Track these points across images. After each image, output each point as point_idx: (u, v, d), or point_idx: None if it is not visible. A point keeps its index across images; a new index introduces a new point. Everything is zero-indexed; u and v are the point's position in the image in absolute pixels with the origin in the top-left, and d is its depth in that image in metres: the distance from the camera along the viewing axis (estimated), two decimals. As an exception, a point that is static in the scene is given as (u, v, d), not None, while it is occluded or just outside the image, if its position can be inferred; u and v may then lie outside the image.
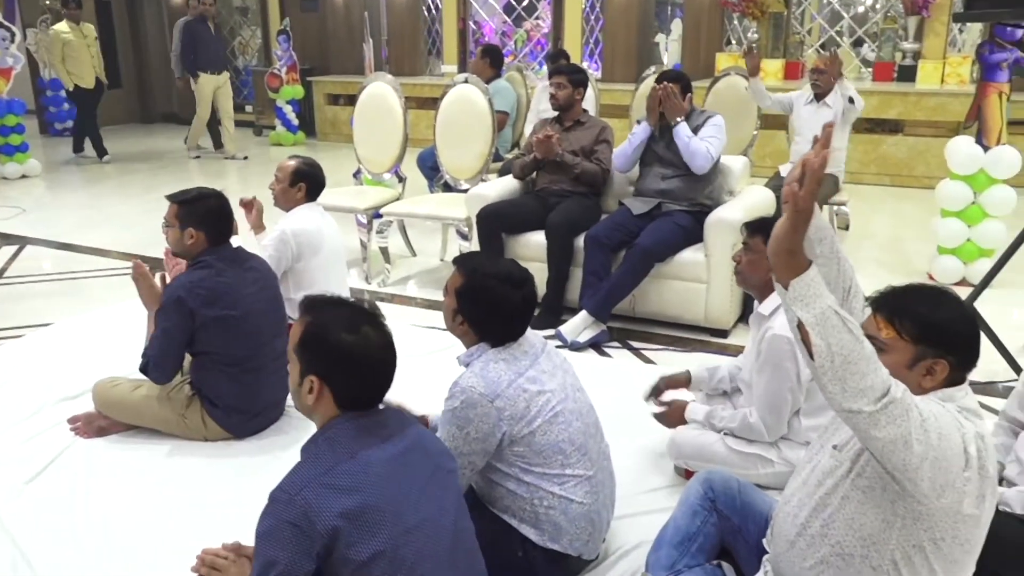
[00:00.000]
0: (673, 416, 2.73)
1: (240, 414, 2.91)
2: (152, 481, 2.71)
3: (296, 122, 9.88)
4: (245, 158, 8.90)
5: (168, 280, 2.91)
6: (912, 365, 1.60)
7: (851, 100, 4.80)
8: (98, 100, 8.72)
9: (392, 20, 9.77)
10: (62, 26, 8.36)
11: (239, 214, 3.14)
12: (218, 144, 9.23)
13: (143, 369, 2.82)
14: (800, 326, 1.46)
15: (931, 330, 1.58)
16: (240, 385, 2.86)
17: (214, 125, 9.08)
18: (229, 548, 1.92)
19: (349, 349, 1.61)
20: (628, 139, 4.15)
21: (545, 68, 6.47)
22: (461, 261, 2.16)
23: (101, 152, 8.82)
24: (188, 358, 2.90)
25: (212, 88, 8.72)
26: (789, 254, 1.48)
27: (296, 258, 3.44)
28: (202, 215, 2.83)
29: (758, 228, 2.54)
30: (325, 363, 1.62)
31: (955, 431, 1.50)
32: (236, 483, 2.68)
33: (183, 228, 2.82)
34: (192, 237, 2.82)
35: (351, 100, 6.05)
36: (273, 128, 9.95)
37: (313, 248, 3.47)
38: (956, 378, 1.61)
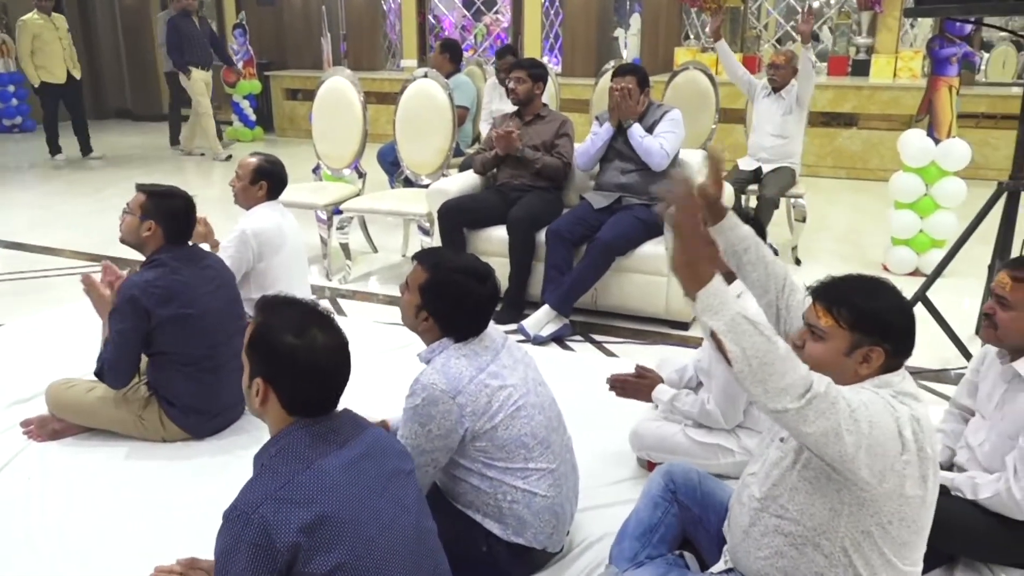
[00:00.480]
0: (643, 388, 2.70)
1: (199, 414, 2.87)
2: (109, 484, 2.65)
3: (254, 118, 9.75)
4: (229, 157, 8.51)
5: (113, 289, 2.85)
6: (849, 352, 1.64)
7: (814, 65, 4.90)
8: (72, 95, 8.33)
9: (350, 14, 9.69)
10: (32, 17, 8.01)
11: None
12: (175, 140, 9.06)
13: (98, 373, 2.77)
14: (714, 335, 1.50)
15: (867, 318, 1.63)
16: (198, 385, 2.82)
17: (176, 119, 8.88)
18: (183, 563, 1.89)
19: (294, 352, 1.56)
20: (590, 139, 4.16)
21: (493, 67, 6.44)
22: (423, 257, 2.15)
23: (86, 149, 8.51)
24: (144, 358, 2.85)
25: (205, 82, 8.43)
26: (689, 267, 1.53)
27: (257, 258, 3.39)
28: (166, 211, 2.79)
29: None
30: (270, 366, 1.58)
31: (887, 417, 1.54)
32: (196, 484, 2.64)
33: (143, 219, 2.78)
34: (150, 230, 2.78)
35: (309, 95, 5.99)
36: (230, 124, 9.81)
37: (274, 247, 3.43)
38: (892, 364, 1.65)
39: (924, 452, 1.57)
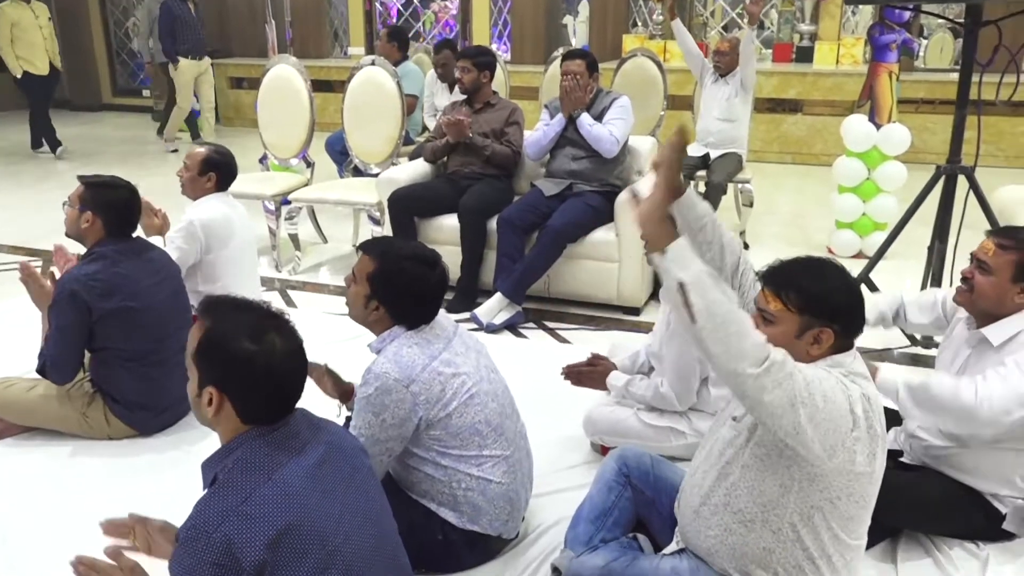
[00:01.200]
0: (597, 376, 2.72)
1: (145, 410, 2.81)
2: (54, 485, 2.59)
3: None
4: (175, 151, 8.20)
5: (58, 276, 2.78)
6: (800, 335, 1.67)
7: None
8: (52, 87, 7.98)
9: (296, 1, 9.51)
10: (8, 5, 7.61)
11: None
12: (161, 131, 8.63)
13: (40, 370, 2.69)
14: (681, 288, 1.54)
15: (815, 301, 1.66)
16: (144, 380, 2.76)
17: (168, 111, 8.42)
18: (134, 518, 1.85)
19: (252, 360, 1.47)
20: (543, 130, 4.15)
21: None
22: (369, 246, 2.13)
23: (54, 144, 8.03)
24: (87, 354, 2.78)
25: (193, 75, 8.04)
26: (660, 222, 1.66)
27: (205, 250, 3.33)
28: (106, 202, 2.72)
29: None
30: (225, 374, 1.48)
31: (840, 394, 1.58)
32: (145, 482, 2.59)
33: (82, 210, 2.71)
34: (88, 222, 2.71)
35: (255, 84, 5.86)
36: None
37: (222, 239, 3.37)
38: (842, 345, 1.69)
39: (873, 430, 1.61)
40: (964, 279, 2.22)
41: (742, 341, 1.51)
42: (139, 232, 3.07)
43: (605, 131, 3.97)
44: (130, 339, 2.71)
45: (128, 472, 2.66)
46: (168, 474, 2.59)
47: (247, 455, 1.47)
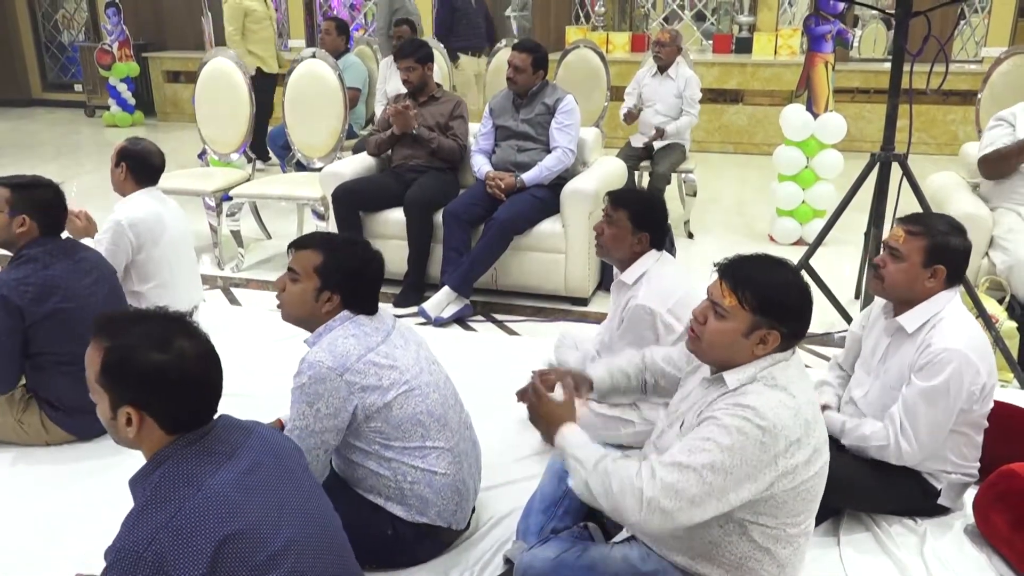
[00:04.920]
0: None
1: (85, 415, 2.69)
2: (-5, 494, 2.51)
3: (132, 101, 9.28)
4: None
5: None
6: (748, 333, 1.68)
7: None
8: None
9: (233, -8, 9.30)
10: None
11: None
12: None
13: None
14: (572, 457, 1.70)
15: (770, 302, 1.67)
16: (82, 384, 2.65)
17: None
18: None
19: (164, 370, 1.41)
20: (486, 141, 4.20)
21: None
22: (304, 242, 2.10)
23: None
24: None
25: (474, 72, 6.94)
26: (547, 425, 1.78)
27: (136, 249, 3.23)
28: (36, 203, 2.63)
29: (622, 203, 2.60)
30: (138, 391, 1.42)
31: (753, 447, 1.58)
32: (87, 488, 2.53)
33: (13, 214, 2.61)
34: (23, 224, 2.62)
35: (192, 77, 5.73)
36: (107, 108, 9.31)
37: (153, 237, 3.27)
38: (785, 346, 1.71)
39: (807, 441, 1.63)
40: (876, 267, 2.28)
41: (624, 499, 1.60)
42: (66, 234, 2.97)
43: (554, 159, 4.02)
44: (66, 343, 2.62)
45: (69, 479, 2.59)
46: (110, 478, 2.52)
47: (174, 467, 1.42)
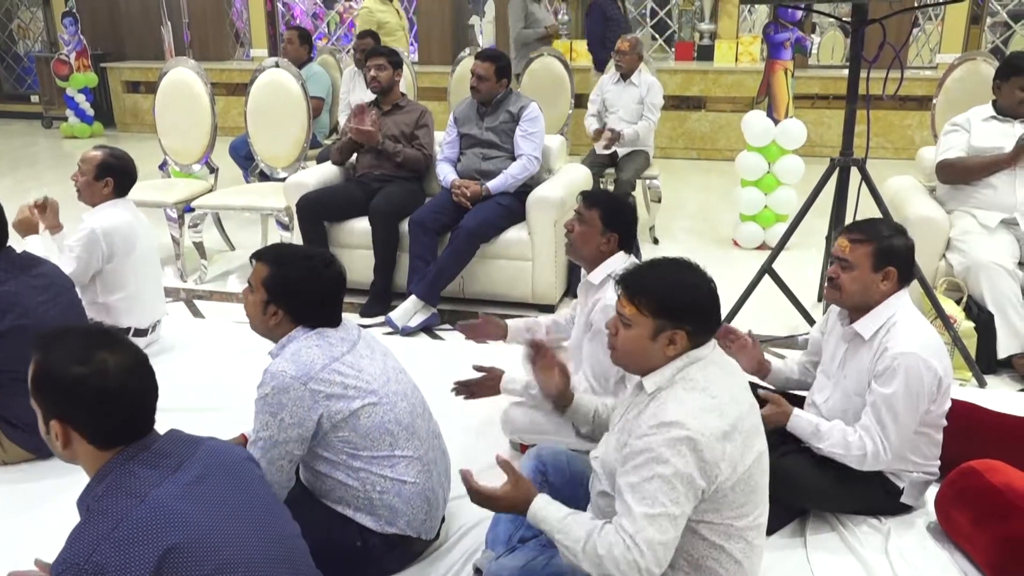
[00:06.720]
0: (488, 385, 2.65)
1: (44, 432, 2.67)
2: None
3: (91, 112, 9.14)
4: None
5: None
6: (654, 337, 1.72)
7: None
8: None
9: (193, 1, 9.21)
10: None
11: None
12: None
13: None
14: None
15: (666, 305, 1.71)
16: (41, 401, 2.62)
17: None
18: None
19: (82, 382, 1.41)
20: (450, 149, 4.20)
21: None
22: (261, 254, 2.10)
23: None
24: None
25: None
26: (511, 508, 1.78)
27: (107, 259, 3.20)
28: None
29: (595, 202, 2.61)
30: (61, 404, 1.43)
31: (694, 461, 1.61)
32: (46, 507, 2.47)
33: None
34: None
35: (152, 87, 5.66)
36: (65, 119, 9.16)
37: (127, 248, 3.24)
38: (699, 341, 1.74)
39: (737, 430, 1.66)
40: (830, 279, 2.33)
41: (587, 556, 1.64)
42: (36, 240, 2.92)
43: (519, 167, 4.03)
44: (24, 360, 2.54)
45: (26, 498, 2.53)
46: (69, 496, 2.45)
47: (117, 480, 1.42)
